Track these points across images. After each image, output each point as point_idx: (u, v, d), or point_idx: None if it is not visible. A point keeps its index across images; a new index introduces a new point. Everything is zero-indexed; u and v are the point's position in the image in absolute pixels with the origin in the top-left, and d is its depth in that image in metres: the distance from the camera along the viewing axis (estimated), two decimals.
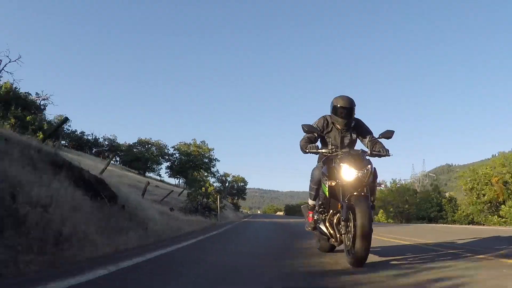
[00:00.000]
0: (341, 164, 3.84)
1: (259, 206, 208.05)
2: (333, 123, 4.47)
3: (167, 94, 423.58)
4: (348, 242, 3.68)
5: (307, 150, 4.29)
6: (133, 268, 3.59)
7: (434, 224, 22.90)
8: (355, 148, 4.51)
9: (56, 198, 6.06)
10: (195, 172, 39.79)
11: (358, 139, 4.60)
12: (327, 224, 4.26)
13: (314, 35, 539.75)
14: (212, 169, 53.46)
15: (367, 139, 4.46)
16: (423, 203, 30.89)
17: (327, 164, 4.15)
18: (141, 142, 49.93)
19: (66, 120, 12.45)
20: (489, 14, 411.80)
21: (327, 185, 3.96)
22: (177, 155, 52.04)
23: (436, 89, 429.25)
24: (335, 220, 4.13)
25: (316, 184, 4.46)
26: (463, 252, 5.14)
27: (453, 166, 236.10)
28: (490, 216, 15.87)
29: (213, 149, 53.23)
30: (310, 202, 4.74)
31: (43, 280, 2.74)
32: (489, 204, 16.12)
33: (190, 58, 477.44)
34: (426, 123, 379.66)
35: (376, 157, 4.25)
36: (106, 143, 50.77)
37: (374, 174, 3.93)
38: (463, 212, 20.41)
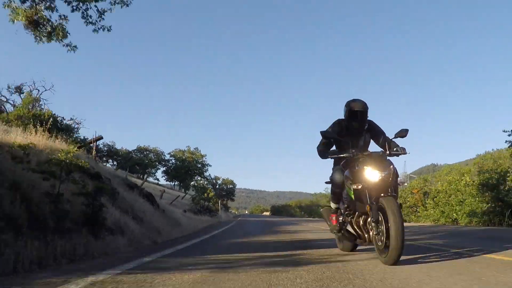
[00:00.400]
0: (365, 167, 3.89)
1: (245, 206, 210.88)
2: (347, 126, 4.54)
3: (160, 100, 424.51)
4: (380, 243, 3.69)
5: (329, 156, 4.43)
6: (201, 242, 7.97)
7: None
8: (368, 149, 4.58)
9: (143, 208, 10.54)
10: (196, 181, 44.23)
11: (371, 140, 4.66)
12: (355, 226, 4.27)
13: (291, 36, 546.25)
14: (205, 173, 58.18)
15: (381, 139, 4.51)
16: None
17: (349, 168, 4.21)
18: (140, 149, 54.35)
19: (100, 137, 15.98)
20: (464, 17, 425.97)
21: (352, 188, 4.01)
22: (173, 160, 56.72)
23: (421, 90, 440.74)
24: (361, 222, 4.14)
25: (339, 188, 4.47)
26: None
27: (438, 166, 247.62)
28: (412, 216, 22.11)
29: (205, 155, 57.97)
30: (333, 205, 4.74)
31: (166, 247, 7.17)
32: (412, 208, 22.26)
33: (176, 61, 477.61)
34: (413, 123, 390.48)
35: (394, 156, 4.28)
36: (105, 149, 54.54)
37: (395, 173, 3.98)
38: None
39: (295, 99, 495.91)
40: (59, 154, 5.81)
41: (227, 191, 69.88)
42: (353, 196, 4.03)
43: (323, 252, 5.01)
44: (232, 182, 69.11)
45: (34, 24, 7.32)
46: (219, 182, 65.29)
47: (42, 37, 7.68)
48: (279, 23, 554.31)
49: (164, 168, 57.41)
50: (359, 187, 3.87)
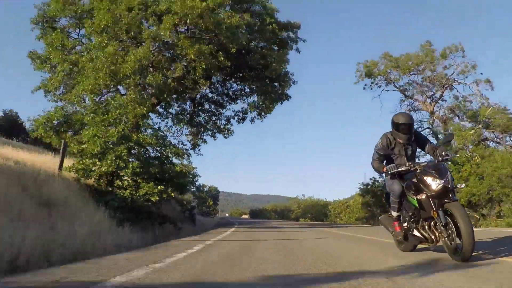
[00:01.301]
0: (425, 177, 4.19)
1: (223, 209, 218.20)
2: (395, 139, 4.83)
3: None
4: (450, 244, 4.02)
5: (388, 171, 4.65)
6: (230, 234, 18.16)
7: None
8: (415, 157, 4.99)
9: (180, 216, 20.83)
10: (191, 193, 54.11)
11: (418, 148, 5.01)
12: (421, 230, 4.61)
13: None
14: (196, 183, 68.13)
15: (427, 147, 4.83)
16: None
17: (408, 179, 4.55)
18: None
19: None
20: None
21: (416, 198, 4.34)
22: None
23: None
24: (426, 226, 4.49)
25: (398, 197, 4.77)
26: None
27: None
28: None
29: (196, 167, 67.87)
30: (394, 214, 5.00)
31: (218, 226, 17.58)
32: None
33: None
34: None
35: (446, 162, 4.55)
36: None
37: (451, 178, 4.24)
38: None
39: None
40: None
41: (211, 196, 79.94)
42: (417, 205, 4.39)
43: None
44: (216, 189, 79.18)
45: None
46: (205, 189, 75.31)
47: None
48: None
49: None
50: (423, 197, 4.23)
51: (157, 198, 10.12)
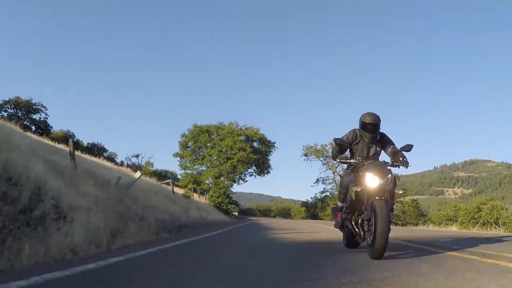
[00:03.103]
0: (366, 173, 4.38)
1: None
2: (361, 136, 5.00)
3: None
4: (369, 238, 4.20)
5: (338, 160, 4.96)
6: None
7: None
8: (379, 158, 5.05)
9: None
10: None
11: (382, 150, 5.10)
12: (353, 223, 4.82)
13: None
14: None
15: (390, 150, 4.97)
16: None
17: (355, 173, 4.68)
18: None
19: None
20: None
21: (354, 190, 4.50)
22: None
23: (381, 98, 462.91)
24: (359, 220, 4.69)
25: (345, 189, 4.96)
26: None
27: (395, 175, 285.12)
28: None
29: None
30: (339, 204, 5.28)
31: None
32: None
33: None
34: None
35: (396, 167, 4.81)
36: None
37: (393, 182, 4.47)
38: None
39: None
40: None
41: None
42: (354, 197, 4.55)
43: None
44: None
45: None
46: None
47: None
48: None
49: None
50: (359, 189, 4.40)
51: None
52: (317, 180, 48.60)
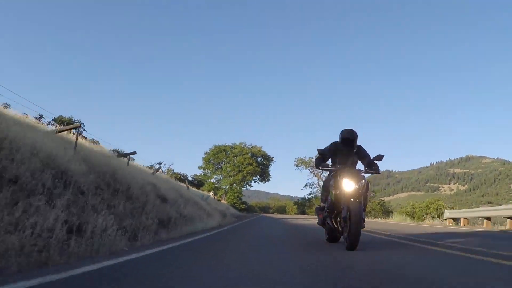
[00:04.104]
0: (344, 178, 5.09)
1: None
2: (340, 148, 5.75)
3: None
4: (346, 233, 4.96)
5: (320, 168, 5.69)
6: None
7: None
8: (356, 166, 5.75)
9: None
10: None
11: (359, 160, 5.85)
12: (333, 221, 5.60)
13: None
14: None
15: (365, 161, 5.72)
16: None
17: (334, 178, 5.36)
18: None
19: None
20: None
21: (333, 193, 5.26)
22: None
23: (379, 96, 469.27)
24: (338, 218, 5.47)
25: (326, 191, 5.75)
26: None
27: (392, 172, 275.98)
28: None
29: None
30: (321, 204, 6.05)
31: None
32: None
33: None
34: (368, 129, 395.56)
35: (369, 174, 5.60)
36: None
37: (366, 186, 5.21)
38: None
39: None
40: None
41: None
42: (333, 198, 5.31)
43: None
44: None
45: None
46: None
47: None
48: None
49: None
50: (338, 192, 5.13)
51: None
52: (306, 184, 62.46)
